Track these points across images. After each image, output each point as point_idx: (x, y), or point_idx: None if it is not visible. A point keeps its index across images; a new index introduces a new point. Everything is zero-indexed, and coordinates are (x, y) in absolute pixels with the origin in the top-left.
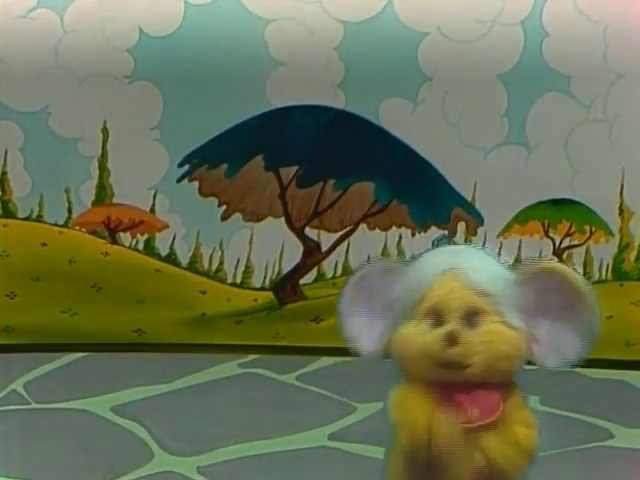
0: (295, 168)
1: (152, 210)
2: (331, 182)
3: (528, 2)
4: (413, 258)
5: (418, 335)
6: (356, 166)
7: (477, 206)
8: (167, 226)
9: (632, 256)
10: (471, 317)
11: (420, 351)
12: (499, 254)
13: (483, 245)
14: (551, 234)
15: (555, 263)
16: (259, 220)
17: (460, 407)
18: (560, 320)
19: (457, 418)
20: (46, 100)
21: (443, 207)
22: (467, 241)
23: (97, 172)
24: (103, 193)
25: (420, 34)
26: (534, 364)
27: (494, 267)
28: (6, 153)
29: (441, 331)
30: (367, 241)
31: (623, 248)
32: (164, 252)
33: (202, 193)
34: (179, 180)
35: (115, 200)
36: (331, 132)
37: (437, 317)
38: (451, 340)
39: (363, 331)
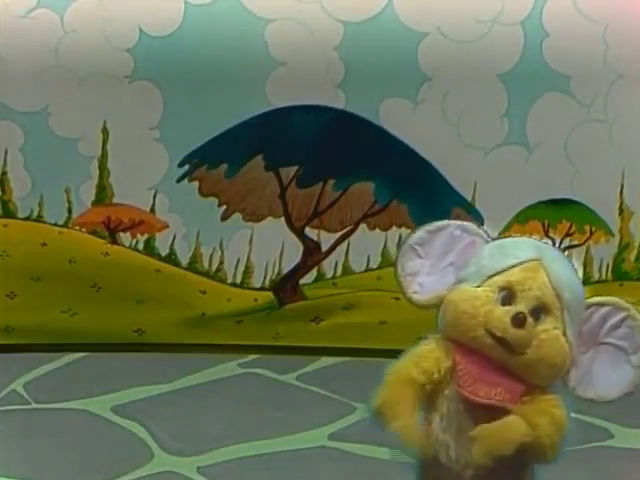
0: (295, 168)
1: (152, 210)
2: (331, 182)
3: (528, 2)
4: (499, 236)
5: (485, 302)
6: (356, 166)
7: (477, 206)
8: (167, 226)
9: (632, 256)
10: (539, 312)
11: (484, 317)
12: None
13: None
14: (551, 234)
15: (630, 305)
16: (259, 220)
17: (489, 383)
18: (609, 357)
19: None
20: (46, 100)
21: (443, 207)
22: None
23: (97, 172)
24: (103, 193)
25: (420, 34)
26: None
27: (576, 280)
28: (6, 153)
29: (510, 309)
30: (367, 241)
31: (623, 248)
32: (164, 252)
33: (202, 193)
34: (179, 180)
35: (115, 200)
36: (331, 132)
37: (509, 295)
38: (518, 321)
39: (417, 273)
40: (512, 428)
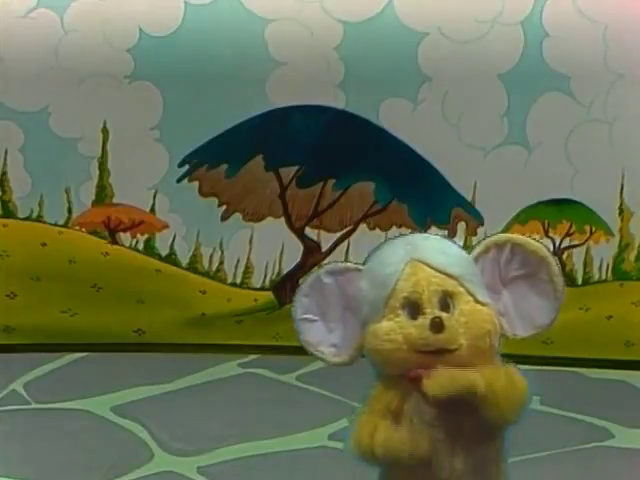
0: (295, 168)
1: (152, 210)
2: (331, 182)
3: (528, 2)
4: (367, 257)
5: (398, 329)
6: (356, 166)
7: (477, 206)
8: (167, 226)
9: (632, 256)
10: (445, 301)
11: (406, 343)
12: None
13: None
14: (551, 234)
15: (509, 234)
16: (259, 220)
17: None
18: (523, 289)
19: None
20: (46, 100)
21: (443, 207)
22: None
23: (97, 172)
24: (103, 193)
25: (420, 34)
26: (507, 337)
27: (451, 249)
28: (6, 153)
29: (424, 320)
30: (367, 241)
31: (623, 248)
32: (164, 252)
33: (202, 193)
34: (179, 180)
35: (115, 200)
36: (331, 132)
37: (412, 308)
38: (437, 327)
39: (323, 338)
40: (467, 374)
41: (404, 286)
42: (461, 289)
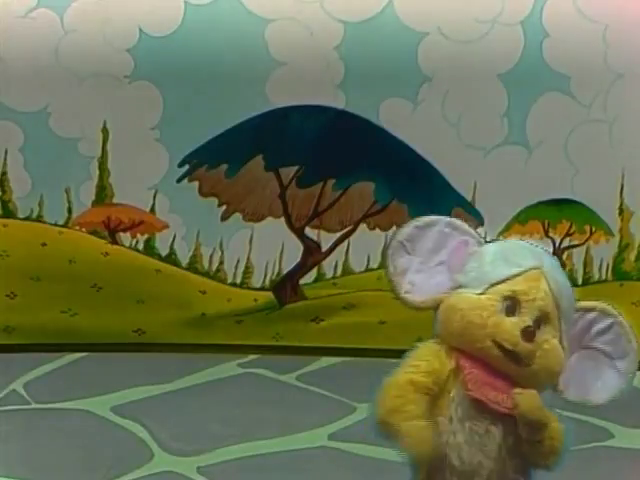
0: (295, 168)
1: (152, 210)
2: (331, 182)
3: (528, 2)
4: (493, 238)
5: (492, 312)
6: (356, 166)
7: (477, 206)
8: (167, 226)
9: (632, 256)
10: (540, 321)
11: (492, 328)
12: None
13: None
14: (551, 234)
15: (615, 310)
16: (259, 220)
17: (495, 388)
18: (595, 362)
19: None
20: (46, 100)
21: (443, 207)
22: None
23: (97, 172)
24: (103, 193)
25: (420, 34)
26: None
27: (569, 284)
28: (6, 153)
29: (518, 321)
30: (367, 241)
31: (623, 248)
32: (164, 252)
33: (202, 193)
34: (179, 180)
35: (115, 200)
36: (331, 132)
37: (513, 305)
38: (528, 335)
39: (408, 271)
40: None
41: (521, 283)
42: (556, 322)
